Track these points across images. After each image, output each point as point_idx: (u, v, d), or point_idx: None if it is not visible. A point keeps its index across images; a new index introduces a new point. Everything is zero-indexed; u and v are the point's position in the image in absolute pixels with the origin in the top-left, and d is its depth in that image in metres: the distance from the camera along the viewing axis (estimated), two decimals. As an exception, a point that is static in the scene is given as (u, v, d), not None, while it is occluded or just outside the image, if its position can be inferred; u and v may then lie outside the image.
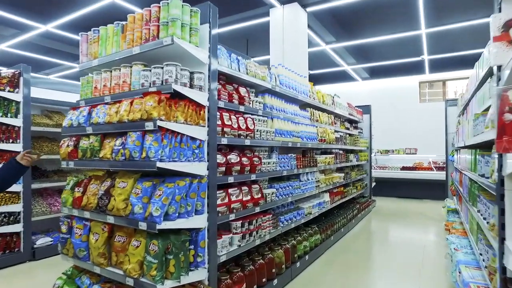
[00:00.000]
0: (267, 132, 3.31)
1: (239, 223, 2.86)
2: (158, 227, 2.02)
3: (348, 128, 6.48)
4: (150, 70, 2.35)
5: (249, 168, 2.98)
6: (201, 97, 2.40)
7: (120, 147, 2.27)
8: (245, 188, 3.00)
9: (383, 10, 6.77)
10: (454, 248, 3.38)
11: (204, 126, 2.43)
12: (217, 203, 2.57)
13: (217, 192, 2.58)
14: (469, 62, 9.58)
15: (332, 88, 12.24)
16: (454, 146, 6.55)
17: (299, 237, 3.89)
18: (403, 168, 9.88)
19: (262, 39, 7.33)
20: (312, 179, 4.39)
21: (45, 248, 4.25)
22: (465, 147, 4.02)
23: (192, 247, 2.32)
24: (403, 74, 11.36)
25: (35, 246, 4.18)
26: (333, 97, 5.73)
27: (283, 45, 6.26)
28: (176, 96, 2.26)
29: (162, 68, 2.29)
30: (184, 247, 2.23)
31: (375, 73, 11.62)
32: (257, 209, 3.07)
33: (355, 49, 9.09)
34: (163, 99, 2.13)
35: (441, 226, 6.05)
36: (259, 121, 3.30)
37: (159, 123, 2.07)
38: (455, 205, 5.57)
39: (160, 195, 2.11)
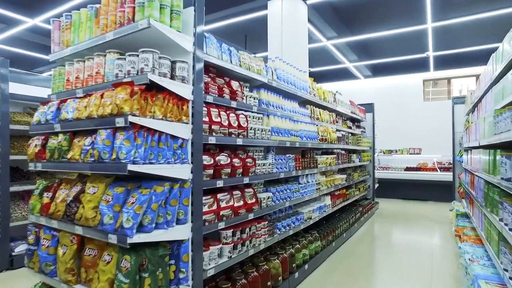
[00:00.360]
0: (262, 131, 3.01)
1: (229, 232, 2.56)
2: (129, 240, 1.72)
3: (350, 127, 6.17)
4: (125, 59, 2.04)
5: (241, 170, 2.67)
6: (184, 90, 2.10)
7: (89, 147, 1.97)
8: (237, 192, 2.70)
9: (386, 2, 6.44)
10: (469, 259, 3.07)
11: (187, 123, 2.13)
12: (204, 210, 2.27)
13: (204, 198, 2.28)
14: (475, 59, 9.25)
15: (333, 86, 11.90)
16: (462, 145, 6.22)
17: (298, 245, 3.58)
18: (407, 169, 9.58)
19: (261, 35, 6.99)
20: (312, 181, 4.08)
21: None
22: (479, 147, 3.70)
23: (173, 262, 2.03)
24: (407, 71, 11.04)
25: (13, 254, 3.87)
26: (335, 94, 5.42)
27: (282, 38, 5.91)
28: (154, 88, 1.96)
29: (138, 56, 1.99)
30: (162, 262, 1.93)
31: (377, 70, 11.28)
32: (251, 216, 2.77)
33: (357, 45, 8.76)
34: (137, 91, 1.83)
35: (448, 230, 5.73)
36: (253, 118, 2.99)
37: (131, 118, 1.77)
38: (465, 209, 5.24)
39: (133, 203, 1.80)
